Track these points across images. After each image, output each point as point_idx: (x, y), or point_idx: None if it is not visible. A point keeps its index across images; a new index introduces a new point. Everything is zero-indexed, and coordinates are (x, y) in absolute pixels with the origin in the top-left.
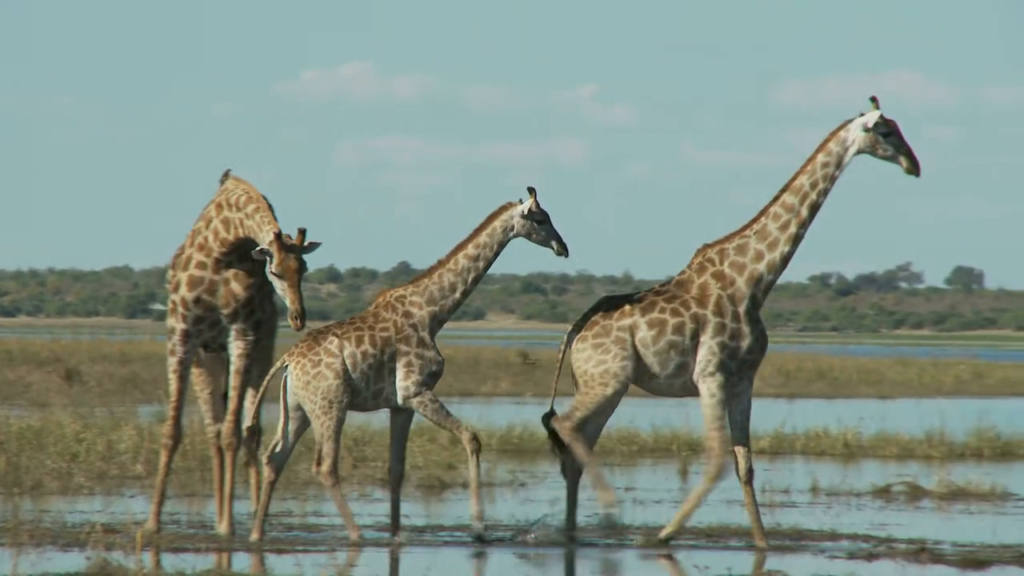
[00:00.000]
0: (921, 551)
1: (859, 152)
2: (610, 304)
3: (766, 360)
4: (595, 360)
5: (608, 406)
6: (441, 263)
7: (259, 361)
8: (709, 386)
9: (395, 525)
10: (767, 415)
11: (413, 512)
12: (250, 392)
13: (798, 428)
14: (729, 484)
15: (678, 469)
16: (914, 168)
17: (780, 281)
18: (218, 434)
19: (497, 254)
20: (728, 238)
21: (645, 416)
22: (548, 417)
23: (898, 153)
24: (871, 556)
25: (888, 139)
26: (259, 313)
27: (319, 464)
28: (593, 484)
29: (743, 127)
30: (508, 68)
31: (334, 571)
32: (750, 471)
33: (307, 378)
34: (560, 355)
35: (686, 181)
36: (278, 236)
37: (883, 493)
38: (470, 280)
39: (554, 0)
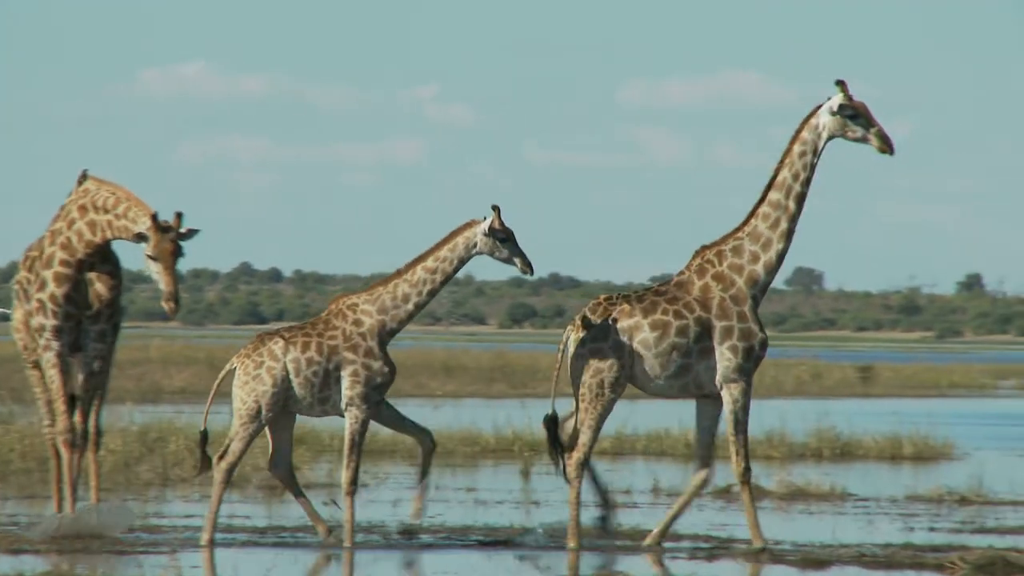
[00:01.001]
0: (761, 551)
1: (831, 137)
2: (608, 304)
3: None
4: (592, 367)
5: (607, 413)
6: (399, 273)
7: (107, 361)
8: (732, 393)
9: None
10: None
11: (254, 513)
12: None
13: (639, 429)
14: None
15: (520, 470)
16: (886, 147)
17: (620, 282)
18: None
19: (457, 269)
20: (724, 239)
21: (487, 417)
22: (549, 420)
23: (867, 134)
24: (712, 556)
25: (856, 121)
26: (116, 316)
27: (222, 458)
28: (570, 526)
29: (584, 127)
30: (350, 68)
31: (175, 572)
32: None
33: (246, 378)
34: (559, 355)
35: (527, 181)
36: (155, 218)
37: (724, 494)
38: (425, 292)
39: (396, 0)
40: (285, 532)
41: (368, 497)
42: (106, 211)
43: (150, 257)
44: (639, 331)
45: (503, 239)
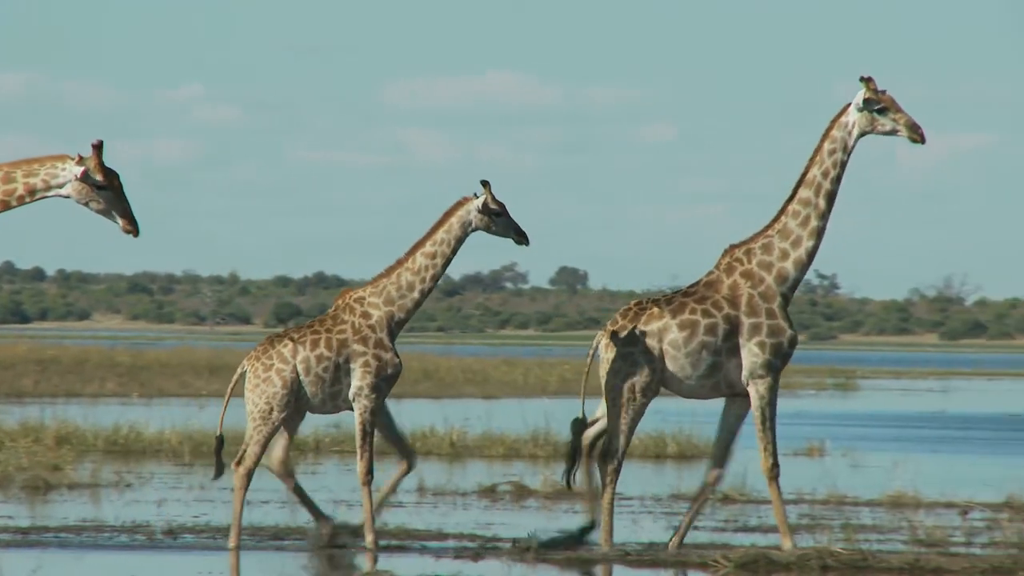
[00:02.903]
0: (526, 550)
1: (862, 134)
2: (639, 309)
3: None
4: (623, 373)
5: (639, 418)
6: (399, 262)
7: None
8: (758, 388)
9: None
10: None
11: (17, 513)
12: None
13: (404, 428)
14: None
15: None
16: (917, 136)
17: None
18: None
19: (455, 251)
20: (753, 238)
21: None
22: (577, 423)
23: (897, 126)
24: (477, 555)
25: (884, 114)
26: None
27: (239, 463)
28: (603, 527)
29: (349, 127)
30: (112, 66)
31: None
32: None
33: (256, 380)
34: (589, 360)
35: (292, 180)
36: (98, 148)
37: (489, 493)
38: (428, 278)
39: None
40: (48, 532)
41: (132, 497)
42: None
43: (101, 188)
44: (668, 332)
45: (497, 214)
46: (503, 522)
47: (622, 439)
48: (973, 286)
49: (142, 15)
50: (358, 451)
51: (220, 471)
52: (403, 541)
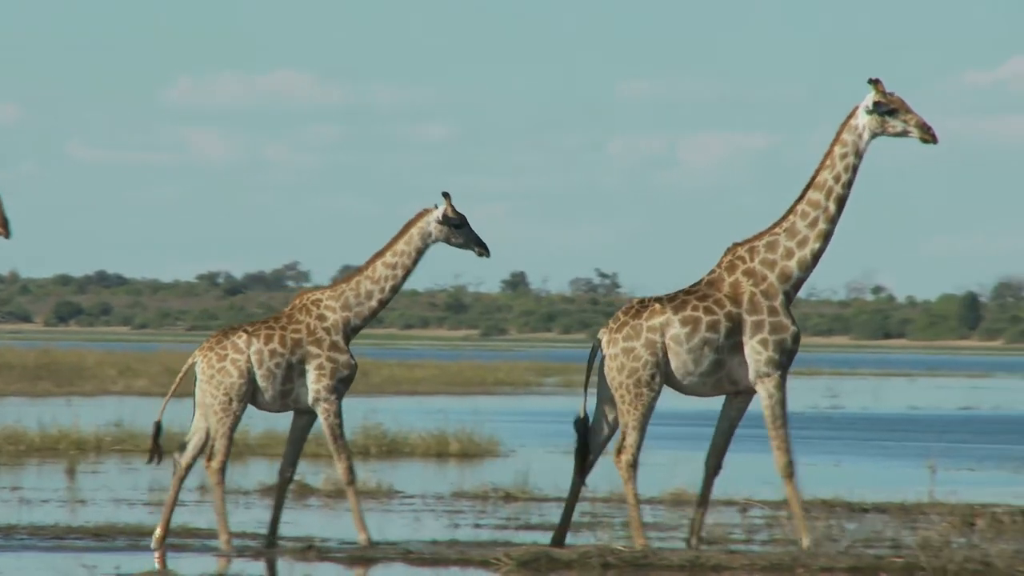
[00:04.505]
0: (308, 549)
1: (873, 136)
2: (641, 306)
3: (155, 359)
4: (628, 369)
5: (650, 412)
6: (360, 270)
7: None
8: (766, 387)
9: (273, 532)
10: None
11: None
12: None
13: (187, 427)
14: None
15: (65, 468)
16: (929, 136)
17: (168, 280)
18: None
19: (416, 261)
20: (758, 236)
21: (32, 415)
22: (579, 423)
23: (907, 127)
24: (259, 554)
25: (894, 116)
26: None
27: (209, 459)
28: (631, 525)
29: (130, 125)
30: None
31: None
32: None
33: (211, 372)
34: (591, 357)
35: (72, 180)
36: None
37: (271, 492)
38: (387, 288)
39: None
40: None
41: None
42: None
43: None
44: (670, 327)
45: (457, 225)
46: (285, 521)
47: (635, 435)
48: None
49: None
50: (335, 454)
51: (158, 456)
52: (185, 540)
